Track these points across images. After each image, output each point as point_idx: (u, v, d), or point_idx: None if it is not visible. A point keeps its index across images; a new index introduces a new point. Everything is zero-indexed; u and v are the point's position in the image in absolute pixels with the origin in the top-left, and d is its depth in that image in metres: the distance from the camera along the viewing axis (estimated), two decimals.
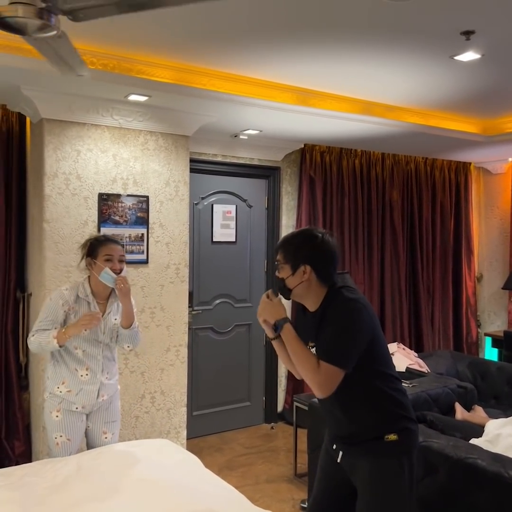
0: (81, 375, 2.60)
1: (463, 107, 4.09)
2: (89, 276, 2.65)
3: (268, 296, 1.95)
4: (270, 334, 1.99)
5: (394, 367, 1.98)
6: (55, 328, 2.53)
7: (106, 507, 2.06)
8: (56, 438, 2.61)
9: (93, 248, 2.61)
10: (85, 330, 2.54)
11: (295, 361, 1.85)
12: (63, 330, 2.50)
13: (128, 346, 2.69)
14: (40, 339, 2.52)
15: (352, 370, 1.79)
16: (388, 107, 4.03)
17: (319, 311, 1.92)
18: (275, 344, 2.01)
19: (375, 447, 1.87)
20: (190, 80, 3.23)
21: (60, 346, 2.51)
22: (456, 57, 2.93)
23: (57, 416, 2.60)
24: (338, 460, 1.97)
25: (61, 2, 1.61)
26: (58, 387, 2.61)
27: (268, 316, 1.92)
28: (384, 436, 1.85)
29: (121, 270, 2.60)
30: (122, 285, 2.54)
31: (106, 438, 2.72)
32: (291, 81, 3.49)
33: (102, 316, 2.62)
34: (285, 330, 1.87)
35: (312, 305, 1.95)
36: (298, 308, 2.07)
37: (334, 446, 2.01)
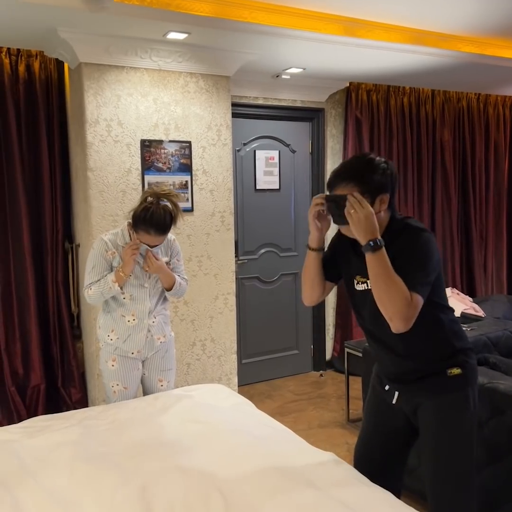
0: (128, 321, 2.58)
1: None
2: (129, 223, 2.54)
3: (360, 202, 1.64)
4: (315, 242, 1.81)
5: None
6: (105, 276, 2.51)
7: (168, 449, 2.05)
8: (113, 386, 2.63)
9: (136, 222, 2.42)
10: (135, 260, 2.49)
11: (386, 290, 1.60)
12: (120, 271, 2.47)
13: (173, 300, 2.63)
14: (100, 289, 2.49)
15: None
16: (441, 36, 3.73)
17: None
18: (312, 255, 1.85)
19: (438, 383, 1.77)
20: (230, 13, 3.05)
21: (121, 288, 2.51)
22: None
23: (112, 365, 2.61)
24: (393, 402, 1.87)
25: None
26: (108, 335, 2.61)
27: (365, 231, 1.62)
28: (447, 371, 1.75)
29: None
30: (147, 268, 2.51)
31: (162, 385, 2.73)
32: (337, 11, 3.25)
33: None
34: (381, 253, 1.62)
35: None
36: (341, 242, 1.88)
37: (387, 387, 1.89)
